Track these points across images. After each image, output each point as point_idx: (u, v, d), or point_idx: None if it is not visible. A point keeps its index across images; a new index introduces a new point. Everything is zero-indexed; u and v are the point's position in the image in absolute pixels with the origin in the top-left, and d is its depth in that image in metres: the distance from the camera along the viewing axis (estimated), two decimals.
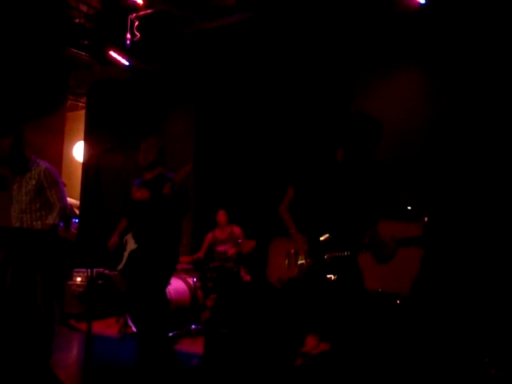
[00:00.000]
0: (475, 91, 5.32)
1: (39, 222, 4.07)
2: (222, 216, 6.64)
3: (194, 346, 5.03)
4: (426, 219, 3.77)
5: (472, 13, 5.31)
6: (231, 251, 6.31)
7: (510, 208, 4.85)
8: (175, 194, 3.80)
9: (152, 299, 3.94)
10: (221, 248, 6.47)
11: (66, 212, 4.16)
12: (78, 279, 6.67)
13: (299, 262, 3.15)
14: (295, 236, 3.21)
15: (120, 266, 4.09)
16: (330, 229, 3.12)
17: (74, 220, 7.37)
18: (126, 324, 5.60)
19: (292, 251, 3.20)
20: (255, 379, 4.11)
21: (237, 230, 6.56)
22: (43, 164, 4.15)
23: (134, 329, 5.48)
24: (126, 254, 4.07)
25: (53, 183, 4.11)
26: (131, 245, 4.06)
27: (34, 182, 4.06)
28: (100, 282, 6.65)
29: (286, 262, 3.21)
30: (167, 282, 4.23)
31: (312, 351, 5.02)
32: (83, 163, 8.70)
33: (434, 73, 5.67)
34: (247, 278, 6.08)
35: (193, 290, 5.82)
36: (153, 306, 3.94)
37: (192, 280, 5.89)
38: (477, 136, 5.24)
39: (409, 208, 4.90)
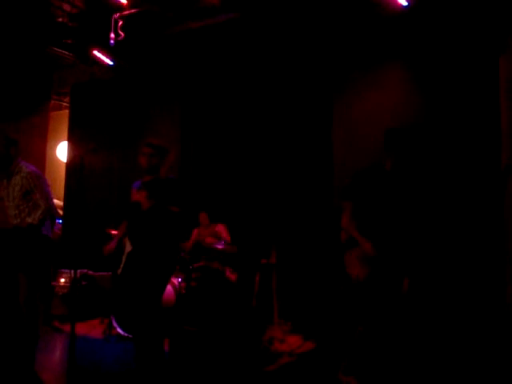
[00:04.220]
0: (459, 92, 5.39)
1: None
2: (202, 219, 6.76)
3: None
4: None
5: (454, 14, 5.38)
6: (219, 247, 6.22)
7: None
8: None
9: (145, 303, 3.74)
10: (208, 240, 6.48)
11: (51, 213, 4.13)
12: (62, 280, 6.61)
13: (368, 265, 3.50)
14: (370, 249, 3.47)
15: (119, 270, 4.07)
16: (391, 235, 3.47)
17: (57, 221, 7.31)
18: (110, 325, 5.56)
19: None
20: (221, 376, 4.11)
21: (220, 227, 6.59)
22: (27, 168, 4.12)
23: (118, 330, 5.46)
24: (123, 258, 4.06)
25: (36, 186, 4.07)
26: (128, 247, 4.03)
27: (18, 188, 4.05)
28: (84, 282, 6.60)
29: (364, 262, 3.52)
30: (163, 286, 3.93)
31: (297, 350, 5.06)
32: (67, 163, 8.63)
33: (418, 74, 5.71)
34: (233, 277, 6.07)
35: (178, 290, 5.80)
36: (147, 310, 3.73)
37: (177, 280, 5.87)
38: (460, 137, 5.32)
39: None
